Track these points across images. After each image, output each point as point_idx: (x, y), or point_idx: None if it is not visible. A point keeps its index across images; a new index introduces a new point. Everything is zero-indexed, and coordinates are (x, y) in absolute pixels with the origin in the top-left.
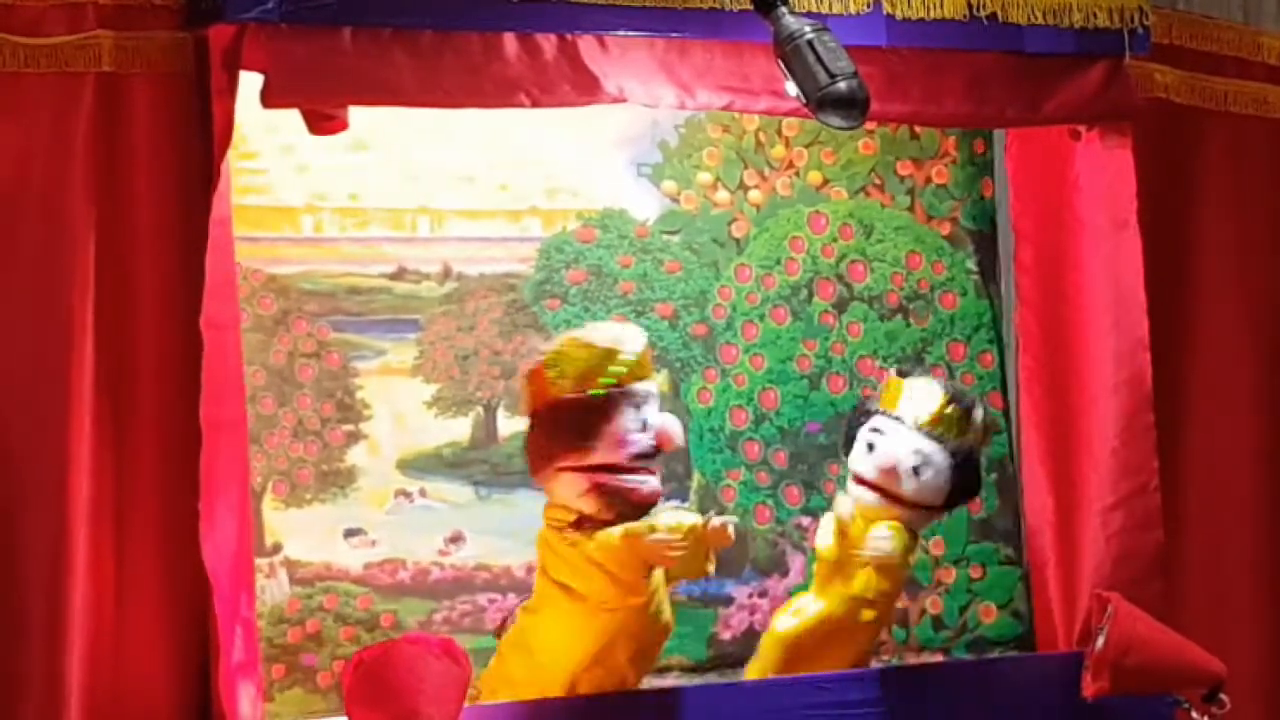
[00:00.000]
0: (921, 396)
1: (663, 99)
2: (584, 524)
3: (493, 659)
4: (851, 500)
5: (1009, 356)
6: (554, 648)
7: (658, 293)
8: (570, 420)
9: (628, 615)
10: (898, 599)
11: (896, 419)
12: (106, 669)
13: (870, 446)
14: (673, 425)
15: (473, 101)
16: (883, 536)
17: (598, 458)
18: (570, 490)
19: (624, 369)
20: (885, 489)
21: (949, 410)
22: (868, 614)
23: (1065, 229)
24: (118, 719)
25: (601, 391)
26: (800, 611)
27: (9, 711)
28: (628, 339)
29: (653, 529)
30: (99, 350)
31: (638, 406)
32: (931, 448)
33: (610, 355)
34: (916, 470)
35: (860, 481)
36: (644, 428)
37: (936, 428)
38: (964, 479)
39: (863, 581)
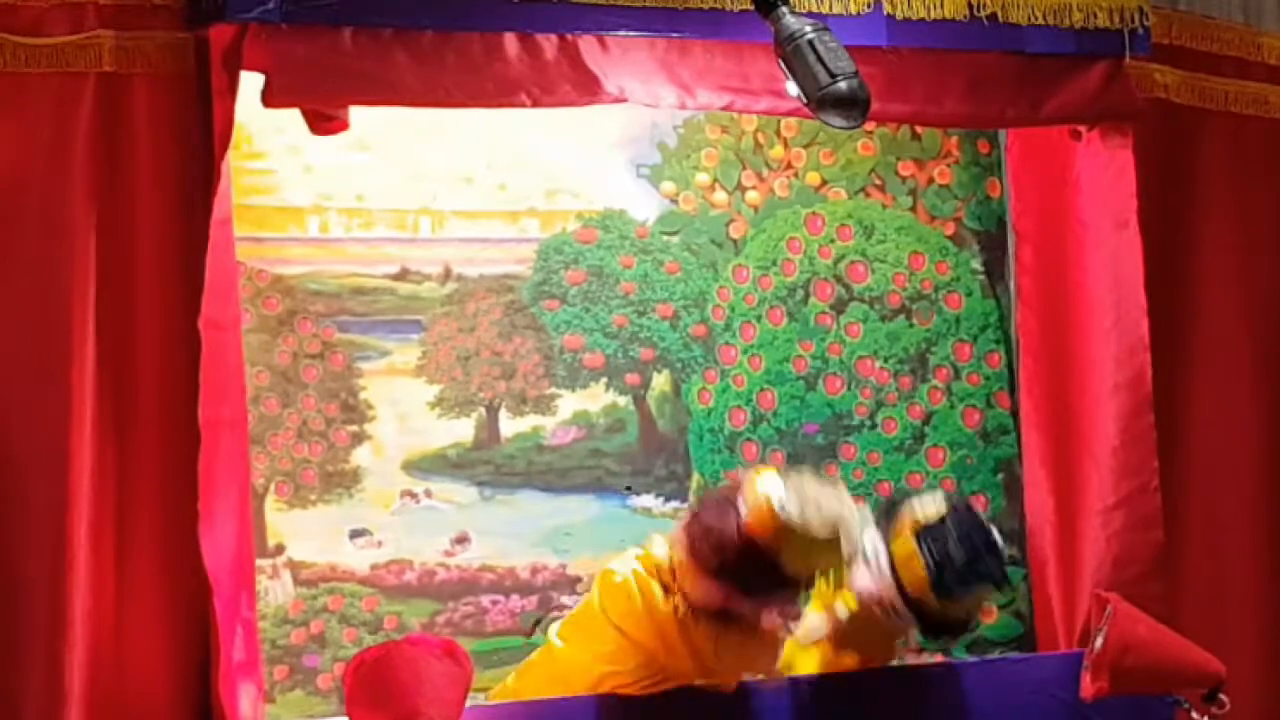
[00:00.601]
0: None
1: (663, 99)
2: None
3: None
4: None
5: (1017, 356)
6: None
7: (658, 293)
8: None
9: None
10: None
11: None
12: (107, 669)
13: None
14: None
15: (473, 101)
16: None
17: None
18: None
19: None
20: None
21: None
22: None
23: (1066, 229)
24: (118, 719)
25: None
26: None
27: (10, 712)
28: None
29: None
30: (99, 350)
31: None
32: None
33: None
34: None
35: None
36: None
37: None
38: None
39: None
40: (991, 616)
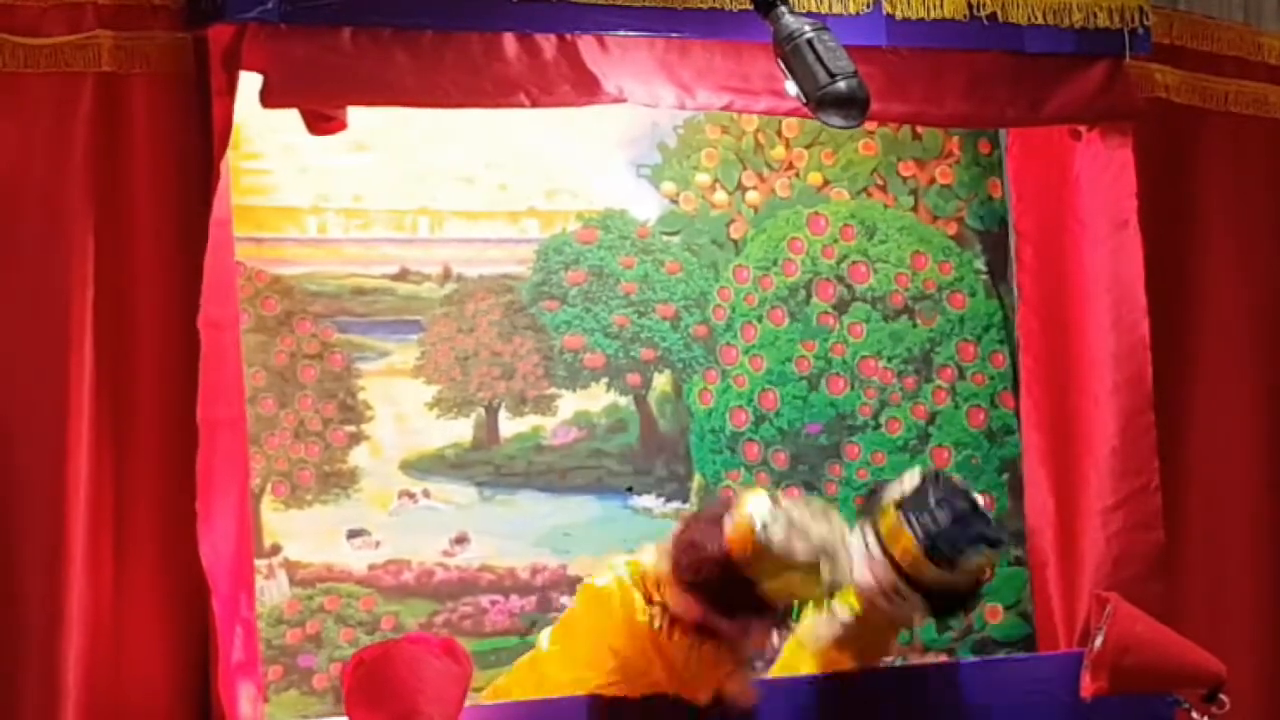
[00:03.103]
0: None
1: (663, 99)
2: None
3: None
4: None
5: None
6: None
7: (659, 293)
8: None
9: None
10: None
11: None
12: (105, 669)
13: None
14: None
15: (473, 101)
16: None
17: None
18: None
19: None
20: None
21: None
22: None
23: (1066, 229)
24: (117, 719)
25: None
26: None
27: (7, 712)
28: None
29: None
30: (99, 350)
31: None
32: None
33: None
34: None
35: None
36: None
37: None
38: None
39: None
40: (997, 617)
